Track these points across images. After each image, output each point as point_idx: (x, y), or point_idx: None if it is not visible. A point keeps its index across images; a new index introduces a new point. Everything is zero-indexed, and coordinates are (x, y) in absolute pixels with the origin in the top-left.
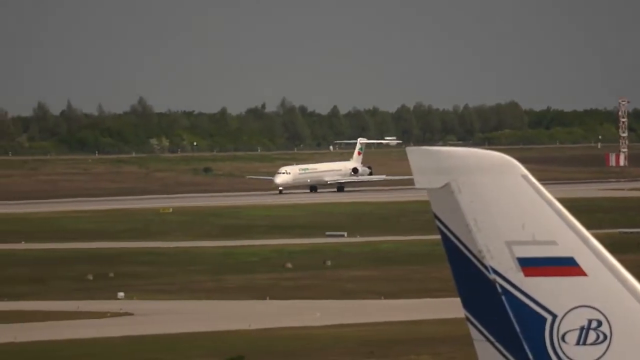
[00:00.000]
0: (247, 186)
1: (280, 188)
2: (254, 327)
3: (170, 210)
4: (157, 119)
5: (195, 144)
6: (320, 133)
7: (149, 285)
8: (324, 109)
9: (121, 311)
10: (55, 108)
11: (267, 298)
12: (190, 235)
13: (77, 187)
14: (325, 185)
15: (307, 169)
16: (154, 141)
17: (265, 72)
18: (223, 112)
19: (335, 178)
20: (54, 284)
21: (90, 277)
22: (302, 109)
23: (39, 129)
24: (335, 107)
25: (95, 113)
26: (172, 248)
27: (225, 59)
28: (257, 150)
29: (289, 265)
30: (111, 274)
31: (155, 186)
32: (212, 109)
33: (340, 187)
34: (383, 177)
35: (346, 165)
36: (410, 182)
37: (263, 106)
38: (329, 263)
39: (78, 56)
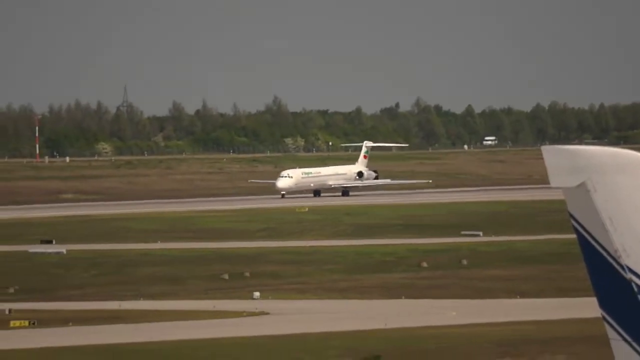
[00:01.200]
0: (382, 185)
1: (283, 192)
2: (389, 326)
3: (306, 209)
4: (292, 118)
5: (330, 143)
6: (455, 132)
7: (285, 284)
8: (458, 108)
9: (257, 311)
10: (191, 108)
11: (403, 297)
12: (326, 234)
13: (212, 187)
14: (329, 189)
15: (311, 172)
16: (288, 140)
17: (399, 71)
18: (358, 111)
19: (340, 182)
20: (190, 284)
21: (226, 276)
22: (437, 108)
23: (174, 129)
24: (469, 106)
25: (231, 112)
26: (308, 247)
27: (359, 59)
28: (391, 150)
29: (425, 264)
30: (247, 274)
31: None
32: (347, 108)
33: (345, 191)
34: (388, 181)
35: (351, 169)
36: (415, 186)
37: (397, 105)
38: (464, 262)
39: (213, 56)
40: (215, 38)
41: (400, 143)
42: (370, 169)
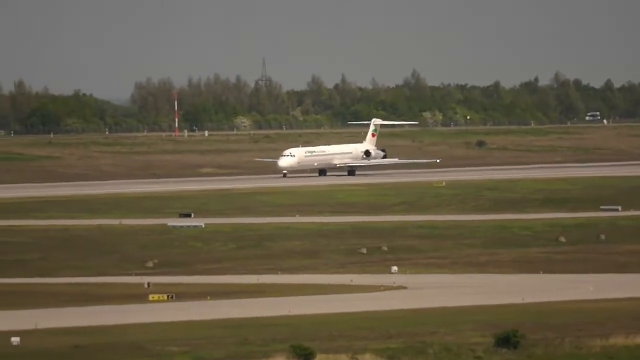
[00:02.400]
0: (522, 160)
1: (285, 172)
2: (527, 300)
3: (443, 183)
4: (431, 92)
5: (468, 117)
6: (594, 106)
7: (422, 258)
8: (597, 82)
9: (394, 285)
10: (329, 81)
11: (540, 272)
12: (463, 208)
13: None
14: (334, 169)
15: (314, 151)
16: (427, 114)
17: (538, 45)
18: (496, 85)
19: (345, 161)
20: (327, 258)
21: (364, 250)
22: (576, 83)
23: (312, 103)
24: (609, 80)
25: (369, 86)
26: (445, 221)
27: (498, 33)
28: (530, 124)
29: (562, 239)
30: (384, 248)
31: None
32: (485, 82)
33: (351, 170)
34: (396, 160)
35: (358, 148)
36: (420, 165)
37: (536, 79)
38: (602, 237)
39: (352, 31)
40: (357, 13)
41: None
42: (379, 148)
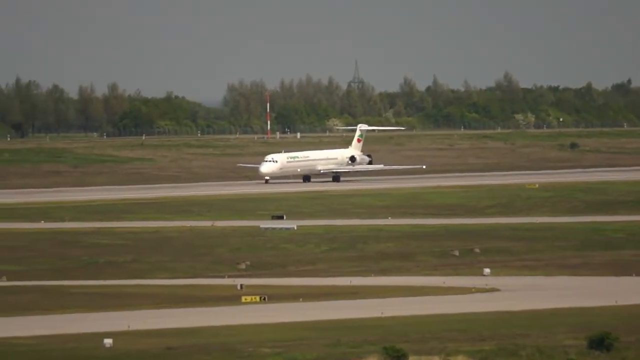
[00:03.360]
0: (615, 162)
1: (267, 178)
2: (620, 303)
3: (536, 185)
4: (523, 94)
5: (560, 119)
6: None
7: (515, 261)
8: None
9: (487, 287)
10: (422, 84)
11: (633, 274)
12: (556, 210)
13: (443, 163)
14: (318, 175)
15: (297, 157)
16: (519, 116)
17: (630, 46)
18: (588, 87)
19: (329, 167)
20: (420, 259)
21: (456, 252)
22: None
23: (405, 105)
24: None
25: (462, 89)
26: (538, 224)
27: (590, 34)
28: (623, 126)
29: None
30: (477, 250)
31: (520, 162)
32: (578, 84)
33: (335, 176)
34: (381, 166)
35: (343, 154)
36: (408, 171)
37: (629, 81)
38: None
39: (444, 32)
40: (450, 15)
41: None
42: (365, 153)
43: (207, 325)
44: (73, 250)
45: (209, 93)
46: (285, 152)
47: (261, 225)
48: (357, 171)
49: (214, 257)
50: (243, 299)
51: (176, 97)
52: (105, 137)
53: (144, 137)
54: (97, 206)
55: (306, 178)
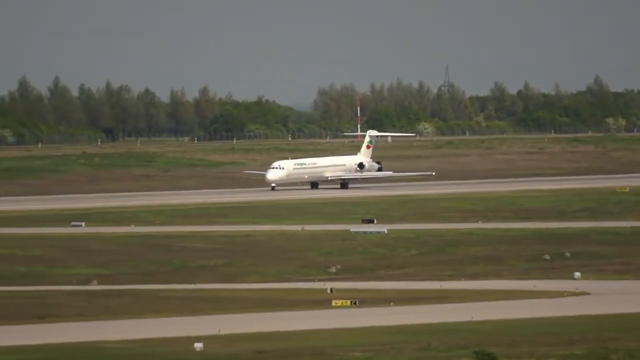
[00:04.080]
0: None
1: (273, 185)
2: None
3: (627, 189)
4: (614, 98)
5: None
6: None
7: (606, 265)
8: None
9: (577, 291)
10: (512, 87)
11: None
12: None
13: (533, 167)
14: (326, 181)
15: (304, 163)
16: (610, 120)
17: None
18: None
19: (337, 174)
20: (510, 263)
21: (547, 256)
22: None
23: (495, 109)
24: None
25: (552, 92)
26: (629, 228)
27: None
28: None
29: None
30: (567, 254)
31: (611, 165)
32: None
33: (343, 183)
34: (390, 173)
35: (351, 160)
36: (417, 179)
37: None
38: None
39: (533, 36)
40: (540, 18)
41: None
42: (374, 160)
43: (298, 329)
44: (164, 254)
45: (299, 97)
46: (291, 158)
47: (351, 229)
48: (365, 178)
49: (304, 261)
50: (333, 302)
51: (267, 100)
52: (196, 141)
53: (234, 141)
54: (188, 210)
55: (314, 185)
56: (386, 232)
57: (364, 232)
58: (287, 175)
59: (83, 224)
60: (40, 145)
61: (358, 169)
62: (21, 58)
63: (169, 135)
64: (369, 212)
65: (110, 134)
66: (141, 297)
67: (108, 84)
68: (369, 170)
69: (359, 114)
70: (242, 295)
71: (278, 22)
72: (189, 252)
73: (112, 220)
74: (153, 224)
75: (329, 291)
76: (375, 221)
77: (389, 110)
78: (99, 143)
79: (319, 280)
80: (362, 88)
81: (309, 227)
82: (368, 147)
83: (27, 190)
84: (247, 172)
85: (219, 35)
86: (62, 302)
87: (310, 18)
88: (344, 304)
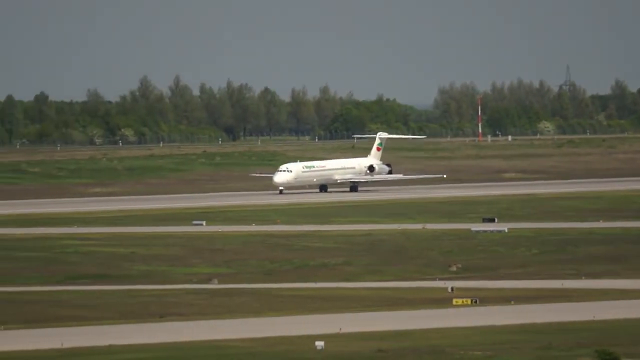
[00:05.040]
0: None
1: (281, 188)
2: None
3: None
4: None
5: None
6: None
7: None
8: None
9: None
10: (634, 86)
11: None
12: None
13: None
14: (335, 184)
15: (313, 166)
16: None
17: None
18: None
19: (347, 177)
20: (632, 262)
21: None
22: None
23: (616, 107)
24: None
25: None
26: None
27: None
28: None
29: None
30: None
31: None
32: None
33: (353, 186)
34: (400, 176)
35: (361, 163)
36: (427, 181)
37: None
38: None
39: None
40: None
41: None
42: (384, 162)
43: (418, 328)
44: (284, 253)
45: (420, 96)
46: (299, 161)
47: (472, 228)
48: (376, 181)
49: (424, 260)
50: (454, 301)
51: (387, 99)
52: (316, 140)
53: (355, 140)
54: (308, 209)
55: (323, 188)
56: (507, 231)
57: (485, 231)
58: (296, 178)
59: (204, 222)
60: (161, 144)
61: (368, 171)
62: (142, 58)
63: (289, 135)
64: (489, 211)
65: (230, 133)
66: (262, 295)
67: (229, 83)
68: (379, 173)
69: (479, 113)
70: (363, 294)
71: (398, 22)
72: (310, 251)
73: (232, 219)
74: (274, 223)
75: (449, 290)
76: (496, 220)
77: (510, 109)
78: (220, 142)
79: (440, 279)
80: (483, 87)
81: (430, 226)
82: (378, 149)
83: (149, 189)
84: (255, 174)
85: (339, 35)
86: (182, 301)
87: (430, 18)
88: (465, 302)
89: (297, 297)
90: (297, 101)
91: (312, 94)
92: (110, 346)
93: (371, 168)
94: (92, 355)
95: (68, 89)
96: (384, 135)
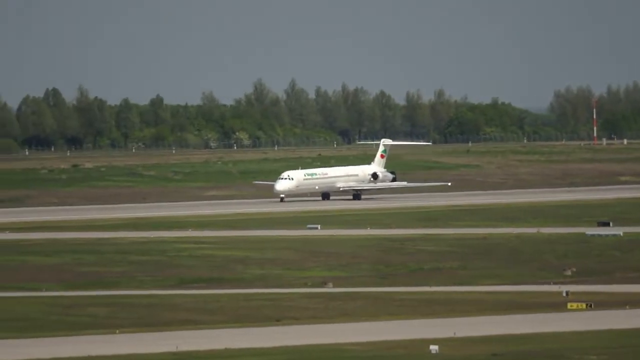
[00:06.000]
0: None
1: (282, 196)
2: None
3: None
4: None
5: None
6: None
7: None
8: None
9: None
10: None
11: None
12: None
13: None
14: (337, 192)
15: (315, 174)
16: None
17: None
18: None
19: (350, 184)
20: None
21: None
22: None
23: None
24: None
25: None
26: None
27: None
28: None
29: None
30: None
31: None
32: None
33: (356, 194)
34: (404, 183)
35: (364, 170)
36: (431, 188)
37: None
38: None
39: None
40: None
41: None
42: (388, 170)
43: (533, 332)
44: (398, 257)
45: (535, 99)
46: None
47: (587, 232)
48: (380, 189)
49: (539, 264)
50: (569, 305)
51: (502, 103)
52: (431, 143)
53: (469, 144)
54: (423, 212)
55: (325, 196)
56: (622, 235)
57: (600, 235)
58: (297, 186)
59: (319, 226)
60: (276, 148)
61: (372, 179)
62: (257, 62)
63: (404, 138)
64: (604, 214)
65: (345, 136)
66: (377, 299)
67: (344, 86)
68: (383, 181)
69: (594, 116)
70: (477, 297)
71: (514, 26)
72: (424, 254)
73: (347, 222)
74: (388, 226)
75: (564, 294)
76: (610, 224)
77: (625, 113)
78: (335, 145)
79: (554, 283)
80: (599, 90)
81: (545, 230)
82: (382, 156)
83: (263, 192)
84: (257, 182)
85: (453, 39)
86: (297, 305)
87: (545, 20)
88: (579, 307)
89: (411, 300)
90: (412, 104)
91: (427, 97)
92: (225, 349)
93: (375, 176)
94: (207, 359)
95: (183, 93)
96: (388, 142)
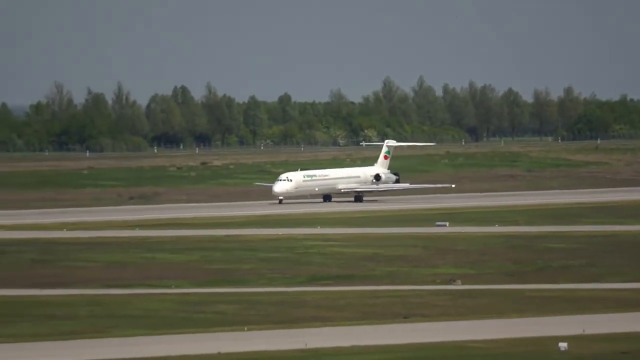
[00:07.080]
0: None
1: (280, 198)
2: None
3: None
4: None
5: None
6: None
7: None
8: None
9: None
10: None
11: None
12: None
13: None
14: (339, 194)
15: (315, 175)
16: None
17: None
18: None
19: (351, 186)
20: None
21: None
22: None
23: None
24: None
25: None
26: None
27: None
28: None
29: None
30: None
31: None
32: None
33: (357, 196)
34: (407, 185)
35: (367, 172)
36: (435, 190)
37: None
38: None
39: None
40: None
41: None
42: (392, 171)
43: None
44: (527, 254)
45: None
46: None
47: None
48: (382, 191)
49: None
50: None
51: (631, 100)
52: (560, 141)
53: (598, 141)
54: (551, 210)
55: (327, 198)
56: None
57: None
58: (296, 188)
59: (447, 223)
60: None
61: (374, 180)
62: (385, 59)
63: (532, 136)
64: None
65: (473, 133)
66: (505, 296)
67: (471, 84)
68: (386, 182)
69: None
70: (606, 295)
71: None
72: (552, 252)
73: (475, 220)
74: (516, 224)
75: None
76: None
77: None
78: (463, 143)
79: None
80: None
81: None
82: (386, 157)
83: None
84: (258, 184)
85: (582, 33)
86: (426, 302)
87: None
88: None
89: (539, 298)
90: (540, 102)
91: (556, 94)
92: (353, 346)
93: (377, 177)
94: (336, 356)
95: (311, 90)
96: (392, 143)
